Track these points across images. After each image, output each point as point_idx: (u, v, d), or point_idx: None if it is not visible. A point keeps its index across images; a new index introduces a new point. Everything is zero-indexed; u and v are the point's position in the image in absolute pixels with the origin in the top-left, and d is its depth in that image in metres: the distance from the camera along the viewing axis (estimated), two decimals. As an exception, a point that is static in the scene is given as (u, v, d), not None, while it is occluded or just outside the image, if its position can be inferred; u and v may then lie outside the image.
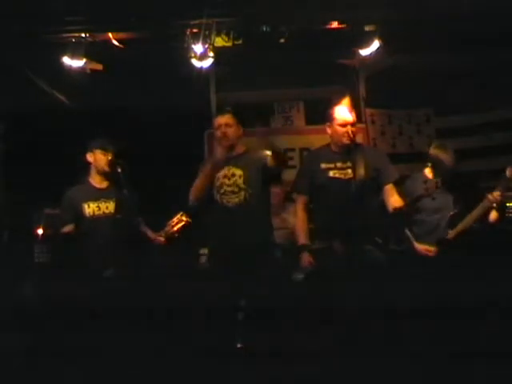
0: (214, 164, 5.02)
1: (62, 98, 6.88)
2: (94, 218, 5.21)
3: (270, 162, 4.83)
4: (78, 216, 5.20)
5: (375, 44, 5.83)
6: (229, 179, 4.96)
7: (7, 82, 6.17)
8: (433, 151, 5.39)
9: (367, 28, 5.80)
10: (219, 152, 5.07)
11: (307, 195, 5.05)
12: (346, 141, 4.90)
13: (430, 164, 5.38)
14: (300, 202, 5.07)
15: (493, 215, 5.19)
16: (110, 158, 5.22)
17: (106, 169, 5.24)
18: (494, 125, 7.05)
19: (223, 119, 5.03)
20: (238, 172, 4.98)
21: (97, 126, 6.49)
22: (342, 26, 5.87)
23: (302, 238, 4.97)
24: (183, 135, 6.81)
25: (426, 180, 5.07)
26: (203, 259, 5.83)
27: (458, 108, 7.08)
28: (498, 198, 5.05)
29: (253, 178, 4.95)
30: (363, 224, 4.80)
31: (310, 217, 5.07)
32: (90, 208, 5.21)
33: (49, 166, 6.57)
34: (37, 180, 6.46)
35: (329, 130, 5.00)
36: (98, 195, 5.25)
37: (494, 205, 5.10)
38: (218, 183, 4.97)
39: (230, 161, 5.01)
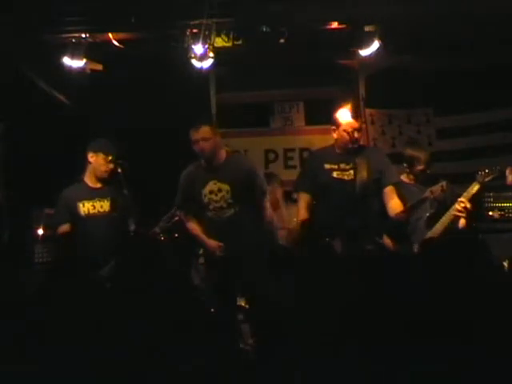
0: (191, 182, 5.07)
1: (61, 97, 6.88)
2: (89, 217, 5.22)
3: None
4: (74, 215, 5.20)
5: (375, 44, 5.83)
6: (216, 195, 4.96)
7: (7, 82, 6.17)
8: (408, 152, 5.39)
9: (367, 28, 5.80)
10: (203, 162, 5.10)
11: (310, 193, 5.05)
12: (351, 145, 4.93)
13: (405, 165, 5.34)
14: (302, 200, 5.07)
15: (461, 222, 5.13)
16: (110, 165, 5.21)
17: (104, 175, 5.25)
18: (494, 125, 7.05)
19: (199, 134, 5.02)
20: (225, 187, 4.97)
21: (96, 125, 6.51)
22: (342, 26, 5.87)
23: (303, 237, 4.99)
24: (183, 135, 6.80)
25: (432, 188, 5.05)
26: (202, 259, 5.83)
27: (458, 108, 7.08)
28: (463, 206, 4.97)
29: (241, 191, 4.98)
30: (364, 224, 4.81)
31: (311, 216, 5.08)
32: (84, 207, 5.23)
33: (49, 166, 6.57)
34: (37, 180, 6.46)
35: (334, 134, 5.02)
36: (92, 194, 5.26)
37: (460, 214, 5.01)
38: (205, 200, 4.98)
39: (213, 173, 5.02)
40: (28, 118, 6.57)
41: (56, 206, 5.33)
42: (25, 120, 6.55)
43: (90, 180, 5.31)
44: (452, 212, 5.02)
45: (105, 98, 6.67)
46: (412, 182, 5.31)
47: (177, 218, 5.35)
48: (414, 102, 7.16)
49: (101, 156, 5.24)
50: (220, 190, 4.97)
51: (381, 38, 5.79)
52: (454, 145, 7.11)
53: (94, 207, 5.24)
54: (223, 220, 4.97)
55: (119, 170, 5.21)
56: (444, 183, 4.92)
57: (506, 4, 5.48)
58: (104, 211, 5.25)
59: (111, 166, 5.22)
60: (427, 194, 4.91)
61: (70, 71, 5.99)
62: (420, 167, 5.26)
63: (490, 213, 6.25)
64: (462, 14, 5.63)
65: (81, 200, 5.23)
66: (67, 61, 5.92)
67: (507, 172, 5.31)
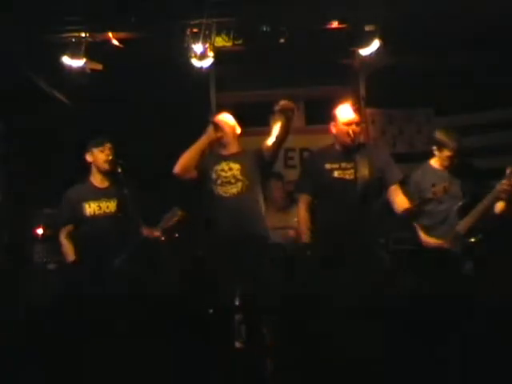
0: (211, 139, 5.02)
1: (61, 97, 6.88)
2: (95, 218, 5.19)
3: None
4: (78, 215, 5.17)
5: (375, 43, 5.83)
6: (226, 172, 4.98)
7: (7, 82, 6.18)
8: (438, 135, 5.34)
9: (367, 28, 5.80)
10: (217, 149, 5.11)
11: (311, 195, 5.04)
12: (349, 140, 4.91)
13: (435, 147, 5.29)
14: (303, 201, 5.05)
15: (499, 206, 5.04)
16: (108, 154, 5.19)
17: (106, 166, 5.21)
18: (494, 125, 7.05)
19: (224, 117, 5.07)
20: (236, 166, 4.99)
21: (96, 125, 6.51)
22: (342, 25, 5.87)
23: (306, 238, 4.97)
24: (183, 135, 6.81)
25: (433, 183, 5.03)
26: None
27: (458, 108, 7.08)
28: (506, 187, 4.90)
29: (250, 170, 4.96)
30: (367, 224, 4.80)
31: (312, 216, 5.07)
32: (90, 208, 5.19)
33: (49, 166, 6.58)
34: (37, 180, 6.47)
35: (333, 130, 5.00)
36: (99, 195, 5.22)
37: (503, 195, 4.93)
38: (214, 175, 4.97)
39: (227, 157, 5.04)
40: (28, 118, 6.57)
41: (60, 204, 5.28)
42: (25, 120, 6.56)
43: (95, 180, 5.28)
44: (493, 194, 4.94)
45: (105, 98, 6.68)
46: (441, 168, 5.28)
47: (176, 218, 5.33)
48: (414, 101, 7.16)
49: (95, 150, 5.23)
50: (231, 169, 4.99)
51: (381, 38, 5.80)
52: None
53: (100, 208, 5.21)
54: (227, 197, 4.92)
55: (119, 170, 5.20)
56: (446, 184, 4.90)
57: (506, 4, 5.48)
58: (110, 211, 5.21)
59: (109, 155, 5.19)
60: (429, 195, 4.89)
61: (69, 71, 5.99)
62: (448, 154, 5.22)
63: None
64: (463, 13, 5.64)
65: (87, 200, 5.19)
66: (67, 60, 5.92)
67: (507, 172, 5.29)
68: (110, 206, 5.22)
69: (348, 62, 6.88)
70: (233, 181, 4.94)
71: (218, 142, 5.07)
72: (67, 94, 6.86)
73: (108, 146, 5.21)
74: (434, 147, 5.31)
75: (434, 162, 5.34)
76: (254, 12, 5.74)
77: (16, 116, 6.46)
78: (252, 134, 6.67)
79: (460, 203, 5.09)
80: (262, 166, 4.98)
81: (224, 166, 4.99)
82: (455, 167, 5.24)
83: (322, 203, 5.01)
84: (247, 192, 4.93)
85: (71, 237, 5.17)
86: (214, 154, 5.18)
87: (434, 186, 4.90)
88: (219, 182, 4.95)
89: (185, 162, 4.98)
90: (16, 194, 6.32)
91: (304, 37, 5.97)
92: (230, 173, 4.97)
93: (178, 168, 4.99)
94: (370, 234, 4.86)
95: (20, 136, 6.54)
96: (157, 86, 6.71)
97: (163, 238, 5.63)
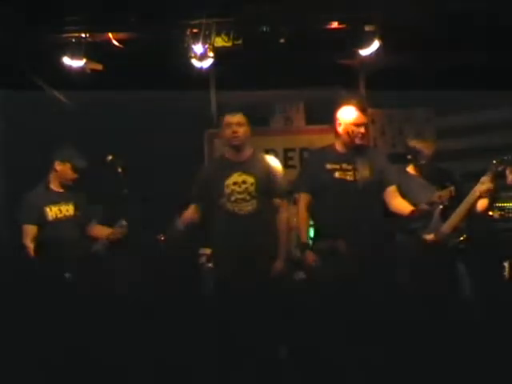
0: (207, 182, 4.99)
1: (61, 97, 6.89)
2: (57, 221, 5.27)
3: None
4: (41, 219, 5.23)
5: (375, 44, 5.83)
6: (239, 186, 4.86)
7: (7, 82, 6.18)
8: (411, 143, 5.31)
9: (367, 28, 5.80)
10: (227, 152, 5.02)
11: (310, 194, 5.01)
12: (358, 141, 4.86)
13: (410, 157, 5.24)
14: (303, 200, 5.01)
15: (480, 204, 5.01)
16: (76, 174, 5.28)
17: (70, 183, 5.33)
18: (494, 124, 7.05)
19: (235, 118, 4.95)
20: (250, 179, 4.89)
21: (95, 125, 6.52)
22: (342, 25, 5.87)
23: (305, 237, 4.96)
24: (183, 135, 6.81)
25: (438, 188, 5.00)
26: (203, 259, 5.83)
27: (458, 108, 7.08)
28: (486, 187, 4.86)
29: (265, 185, 4.90)
30: (367, 224, 4.79)
31: (312, 216, 5.06)
32: (52, 211, 5.28)
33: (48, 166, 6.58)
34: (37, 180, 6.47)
35: (340, 129, 4.94)
36: (58, 199, 5.33)
37: (483, 194, 4.89)
38: (228, 190, 4.87)
39: (239, 166, 4.95)
40: (28, 118, 6.58)
41: (21, 210, 5.32)
42: (25, 119, 6.56)
43: (54, 185, 5.38)
44: (474, 195, 4.89)
45: (104, 98, 6.68)
46: (418, 174, 5.25)
47: (122, 231, 5.32)
48: (414, 101, 7.16)
49: (68, 166, 5.30)
50: (244, 182, 4.89)
51: (381, 38, 5.80)
52: (454, 144, 7.11)
53: (61, 211, 5.31)
54: (243, 214, 4.86)
55: (119, 170, 5.23)
56: (452, 188, 4.86)
57: (505, 4, 5.49)
58: (70, 215, 5.33)
59: (77, 175, 5.26)
60: (435, 198, 4.85)
61: (69, 71, 5.99)
62: (424, 161, 5.19)
63: (490, 213, 6.23)
64: (462, 14, 5.64)
65: (47, 204, 5.28)
66: (67, 61, 5.93)
67: (507, 172, 5.28)
68: (68, 209, 5.34)
69: (348, 62, 6.88)
70: (248, 198, 4.86)
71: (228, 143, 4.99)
72: (67, 94, 6.86)
73: (79, 170, 5.29)
74: (409, 157, 5.25)
75: (411, 170, 5.29)
76: (253, 12, 5.73)
77: (16, 115, 6.47)
78: (252, 134, 6.67)
79: (440, 206, 5.04)
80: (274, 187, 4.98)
81: (237, 177, 4.90)
82: (430, 172, 5.21)
83: (323, 203, 4.98)
84: (263, 209, 4.89)
85: (35, 242, 5.21)
86: (222, 159, 5.10)
87: (438, 190, 4.88)
88: (233, 198, 4.86)
89: (189, 220, 5.07)
90: (16, 193, 6.32)
91: (304, 37, 5.97)
92: (243, 187, 4.87)
93: (181, 225, 5.09)
94: (370, 235, 4.84)
95: (20, 136, 6.54)
96: (156, 86, 6.70)
97: (163, 238, 5.63)
